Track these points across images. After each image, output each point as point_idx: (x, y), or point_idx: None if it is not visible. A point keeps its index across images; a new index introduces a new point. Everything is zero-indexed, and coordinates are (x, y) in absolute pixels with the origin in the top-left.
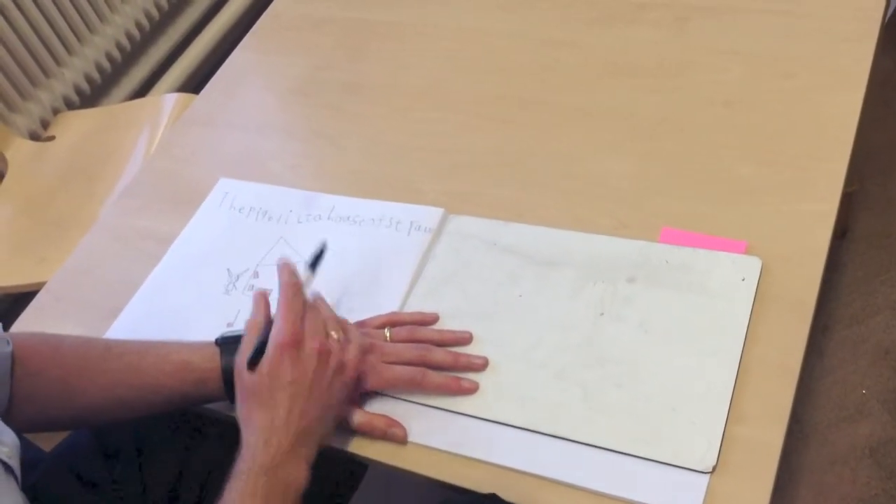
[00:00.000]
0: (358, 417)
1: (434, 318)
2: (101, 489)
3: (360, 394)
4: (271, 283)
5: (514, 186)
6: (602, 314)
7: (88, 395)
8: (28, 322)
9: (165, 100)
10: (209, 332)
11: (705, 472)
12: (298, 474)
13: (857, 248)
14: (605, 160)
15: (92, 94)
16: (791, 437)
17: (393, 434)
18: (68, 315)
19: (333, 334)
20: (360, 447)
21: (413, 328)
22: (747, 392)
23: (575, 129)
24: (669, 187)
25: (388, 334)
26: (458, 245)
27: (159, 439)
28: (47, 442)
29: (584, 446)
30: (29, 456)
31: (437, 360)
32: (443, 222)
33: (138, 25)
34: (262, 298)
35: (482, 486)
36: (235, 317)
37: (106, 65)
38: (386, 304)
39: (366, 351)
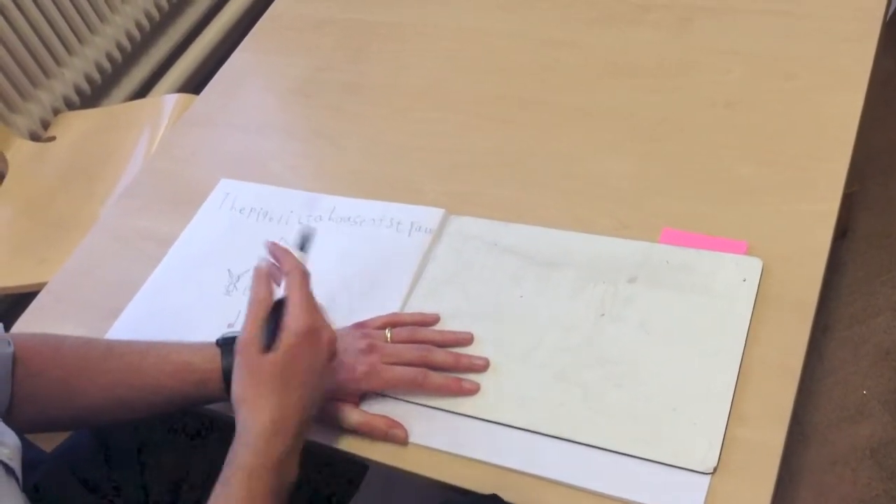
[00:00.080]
0: (358, 418)
1: (435, 319)
2: (101, 490)
3: (361, 394)
4: None
5: (515, 187)
6: (603, 315)
7: (89, 395)
8: (29, 323)
9: (166, 100)
10: (210, 332)
11: (706, 473)
12: (293, 469)
13: (857, 248)
14: (605, 160)
15: (92, 95)
16: (792, 437)
17: (394, 435)
18: (69, 316)
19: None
20: (361, 448)
21: (414, 329)
22: (748, 393)
23: (575, 130)
24: (670, 188)
25: (388, 335)
26: (459, 245)
27: (160, 440)
28: (48, 443)
29: (584, 447)
30: (29, 456)
31: (437, 360)
32: (443, 223)
33: (139, 26)
34: (266, 275)
35: (483, 486)
36: (236, 317)
37: (106, 65)
38: (387, 304)
39: (366, 351)
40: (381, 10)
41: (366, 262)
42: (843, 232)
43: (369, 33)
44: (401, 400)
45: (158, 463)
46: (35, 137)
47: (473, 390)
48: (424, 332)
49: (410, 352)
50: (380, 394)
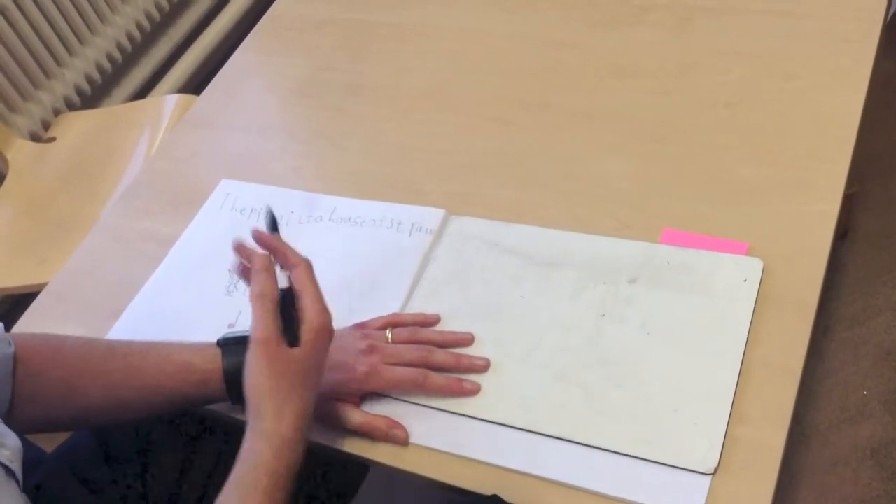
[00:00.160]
0: (359, 418)
1: (436, 320)
2: (102, 491)
3: (362, 395)
4: None
5: (516, 187)
6: (603, 315)
7: (90, 395)
8: (29, 323)
9: (166, 101)
10: (211, 333)
11: (707, 474)
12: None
13: (858, 248)
14: (606, 161)
15: (93, 95)
16: (792, 438)
17: (394, 435)
18: (69, 316)
19: None
20: (362, 448)
21: (415, 329)
22: (749, 393)
23: (576, 130)
24: (671, 188)
25: (389, 336)
26: (460, 246)
27: (161, 441)
28: (48, 443)
29: (585, 447)
30: (30, 457)
31: (438, 361)
32: (444, 223)
33: (139, 26)
34: (266, 268)
35: (484, 487)
36: (237, 318)
37: (107, 65)
38: (387, 305)
39: (367, 352)
40: (382, 10)
41: (366, 263)
42: (843, 232)
43: (370, 34)
44: (401, 400)
45: (159, 463)
46: (35, 138)
47: (474, 391)
48: (425, 333)
49: (411, 352)
50: (380, 394)
